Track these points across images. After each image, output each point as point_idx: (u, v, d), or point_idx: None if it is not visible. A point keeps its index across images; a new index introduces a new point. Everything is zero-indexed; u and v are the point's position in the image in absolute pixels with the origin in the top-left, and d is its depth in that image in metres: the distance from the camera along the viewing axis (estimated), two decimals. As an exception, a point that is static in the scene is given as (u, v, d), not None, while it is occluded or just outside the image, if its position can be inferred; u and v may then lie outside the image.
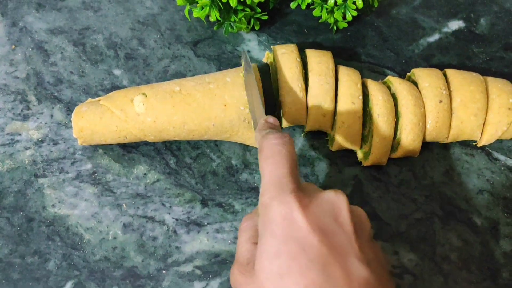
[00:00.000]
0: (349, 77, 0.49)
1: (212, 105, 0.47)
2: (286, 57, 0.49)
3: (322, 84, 0.48)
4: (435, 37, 0.58)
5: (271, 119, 0.41)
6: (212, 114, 0.47)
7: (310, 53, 0.50)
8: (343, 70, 0.49)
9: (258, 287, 0.31)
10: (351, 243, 0.32)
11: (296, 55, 0.49)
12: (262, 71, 0.53)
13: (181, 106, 0.47)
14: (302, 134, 0.52)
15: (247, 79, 0.48)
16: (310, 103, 0.48)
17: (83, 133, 0.47)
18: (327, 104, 0.48)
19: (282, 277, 0.30)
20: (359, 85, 0.48)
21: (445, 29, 0.58)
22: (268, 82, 0.53)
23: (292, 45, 0.51)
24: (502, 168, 0.51)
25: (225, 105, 0.48)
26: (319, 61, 0.49)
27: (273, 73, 0.53)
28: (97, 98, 0.49)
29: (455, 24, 0.59)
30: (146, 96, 0.47)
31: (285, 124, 0.51)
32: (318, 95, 0.48)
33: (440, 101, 0.48)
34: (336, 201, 0.34)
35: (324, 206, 0.33)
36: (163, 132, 0.48)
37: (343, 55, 0.56)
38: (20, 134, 0.51)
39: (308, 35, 0.57)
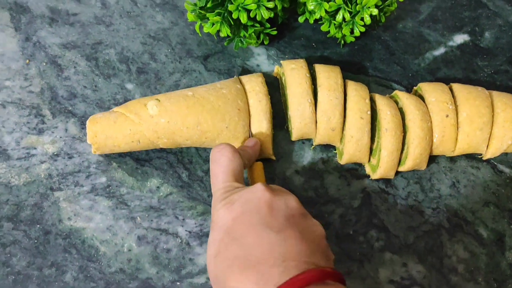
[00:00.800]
0: (357, 92, 0.50)
1: (227, 107, 0.49)
2: (295, 72, 0.50)
3: (331, 99, 0.49)
4: (440, 50, 0.59)
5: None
6: (226, 116, 0.49)
7: (319, 68, 0.51)
8: (351, 85, 0.51)
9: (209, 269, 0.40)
10: (263, 217, 0.39)
11: (305, 71, 0.50)
12: (272, 85, 0.54)
13: (195, 107, 0.48)
14: (311, 148, 0.53)
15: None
16: (319, 118, 0.50)
17: (97, 138, 0.48)
18: (336, 119, 0.50)
19: (215, 257, 0.39)
20: (367, 100, 0.50)
21: (451, 43, 0.59)
22: (278, 95, 0.54)
23: (301, 60, 0.52)
24: (507, 180, 0.52)
25: (239, 109, 0.49)
26: (328, 76, 0.50)
27: (282, 87, 0.54)
28: (111, 110, 0.50)
29: (460, 38, 0.60)
30: (159, 101, 0.49)
31: (294, 137, 0.52)
32: (327, 110, 0.49)
33: (447, 116, 0.49)
34: (255, 191, 0.41)
35: (244, 199, 0.41)
36: (176, 134, 0.49)
37: (351, 69, 0.57)
38: (35, 148, 0.52)
39: (316, 49, 0.59)
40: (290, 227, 0.38)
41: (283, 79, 0.53)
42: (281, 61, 0.53)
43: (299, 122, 0.50)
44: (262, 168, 0.49)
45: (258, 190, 0.41)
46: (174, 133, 0.49)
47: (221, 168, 0.44)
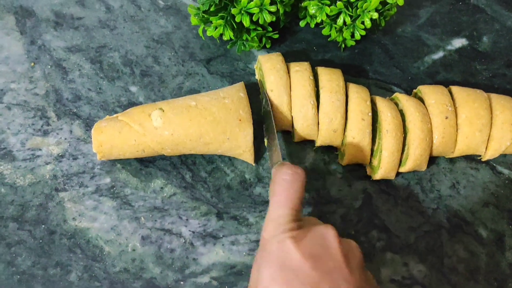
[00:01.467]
0: (358, 94, 0.51)
1: (228, 118, 0.49)
2: (299, 74, 0.51)
3: (333, 101, 0.50)
4: (439, 54, 0.60)
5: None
6: (227, 127, 0.49)
7: (321, 71, 0.52)
8: (353, 88, 0.51)
9: None
10: (341, 268, 0.35)
11: (309, 73, 0.51)
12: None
13: (197, 119, 0.49)
14: (313, 149, 0.54)
15: (267, 122, 0.51)
16: (321, 119, 0.50)
17: (103, 148, 0.49)
18: (338, 120, 0.50)
19: None
20: (368, 102, 0.50)
21: (449, 47, 0.60)
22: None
23: (305, 63, 0.53)
24: (506, 181, 0.53)
25: (240, 120, 0.49)
26: (330, 79, 0.51)
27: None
28: (115, 115, 0.51)
29: (458, 42, 0.61)
30: (163, 111, 0.49)
31: (296, 139, 0.52)
32: (329, 111, 0.50)
33: (446, 117, 0.50)
34: (326, 232, 0.38)
35: (316, 238, 0.37)
36: (180, 145, 0.49)
37: (351, 72, 0.58)
38: (40, 149, 0.52)
39: (317, 52, 0.60)
40: (364, 283, 0.36)
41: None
42: (288, 63, 0.53)
43: (301, 124, 0.51)
44: None
45: (330, 232, 0.37)
46: (178, 145, 0.49)
47: (292, 193, 0.40)
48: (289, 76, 0.52)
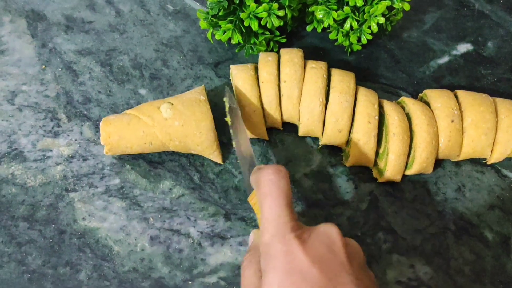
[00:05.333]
0: (367, 97, 0.51)
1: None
2: (314, 71, 0.52)
3: (341, 102, 0.51)
4: (444, 59, 0.61)
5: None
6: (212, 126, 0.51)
7: (335, 72, 0.53)
8: (362, 91, 0.52)
9: None
10: (346, 269, 0.35)
11: (323, 72, 0.52)
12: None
13: (209, 113, 0.50)
14: (318, 148, 0.54)
15: (233, 121, 0.50)
16: (328, 118, 0.51)
17: (111, 139, 0.50)
18: (344, 121, 0.51)
19: None
20: (376, 106, 0.51)
21: (454, 52, 0.61)
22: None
23: (323, 62, 0.53)
24: (511, 185, 0.53)
25: (254, 111, 0.51)
26: (342, 80, 0.52)
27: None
28: (123, 112, 0.52)
29: (463, 47, 0.62)
30: (173, 104, 0.50)
31: (300, 132, 0.53)
32: (337, 111, 0.51)
33: (452, 121, 0.51)
34: (329, 232, 0.37)
35: (320, 238, 0.36)
36: (189, 137, 0.50)
37: (358, 76, 0.59)
38: (51, 150, 0.53)
39: (323, 57, 0.60)
40: (368, 283, 0.36)
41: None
42: (306, 61, 0.53)
43: (307, 119, 0.51)
44: None
45: (334, 232, 0.37)
46: (187, 137, 0.50)
47: (281, 192, 0.38)
48: (304, 72, 0.52)
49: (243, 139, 0.49)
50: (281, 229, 0.36)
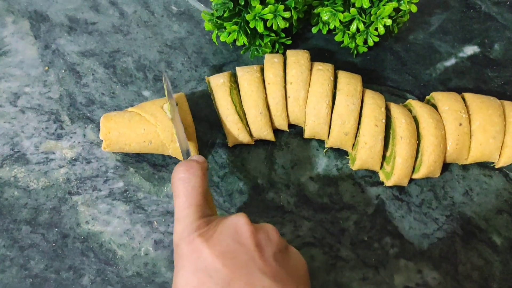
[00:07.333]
0: (374, 100, 0.51)
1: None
2: (320, 73, 0.51)
3: (348, 104, 0.50)
4: (451, 61, 0.60)
5: (195, 157, 0.43)
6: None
7: (342, 74, 0.52)
8: (369, 94, 0.52)
9: None
10: (254, 259, 0.35)
11: (330, 74, 0.51)
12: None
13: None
14: (324, 151, 0.54)
15: (171, 108, 0.49)
16: (334, 121, 0.50)
17: (110, 135, 0.49)
18: (350, 124, 0.50)
19: None
20: (383, 109, 0.50)
21: (461, 54, 0.61)
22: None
23: (329, 64, 0.53)
24: (520, 189, 0.52)
25: (260, 113, 0.51)
26: (348, 83, 0.51)
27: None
28: (125, 110, 0.51)
29: (470, 49, 0.61)
30: (177, 104, 0.50)
31: (306, 135, 0.53)
32: (343, 114, 0.50)
33: (460, 124, 0.50)
34: (236, 223, 0.37)
35: (226, 232, 0.36)
36: (191, 139, 0.50)
37: (364, 79, 0.58)
38: (54, 153, 0.53)
39: (329, 59, 0.60)
40: (282, 269, 0.35)
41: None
42: (312, 62, 0.53)
43: (313, 121, 0.51)
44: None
45: (240, 222, 0.36)
46: (190, 139, 0.50)
47: (191, 191, 0.39)
48: (311, 74, 0.52)
49: (179, 133, 0.47)
50: (186, 229, 0.37)
